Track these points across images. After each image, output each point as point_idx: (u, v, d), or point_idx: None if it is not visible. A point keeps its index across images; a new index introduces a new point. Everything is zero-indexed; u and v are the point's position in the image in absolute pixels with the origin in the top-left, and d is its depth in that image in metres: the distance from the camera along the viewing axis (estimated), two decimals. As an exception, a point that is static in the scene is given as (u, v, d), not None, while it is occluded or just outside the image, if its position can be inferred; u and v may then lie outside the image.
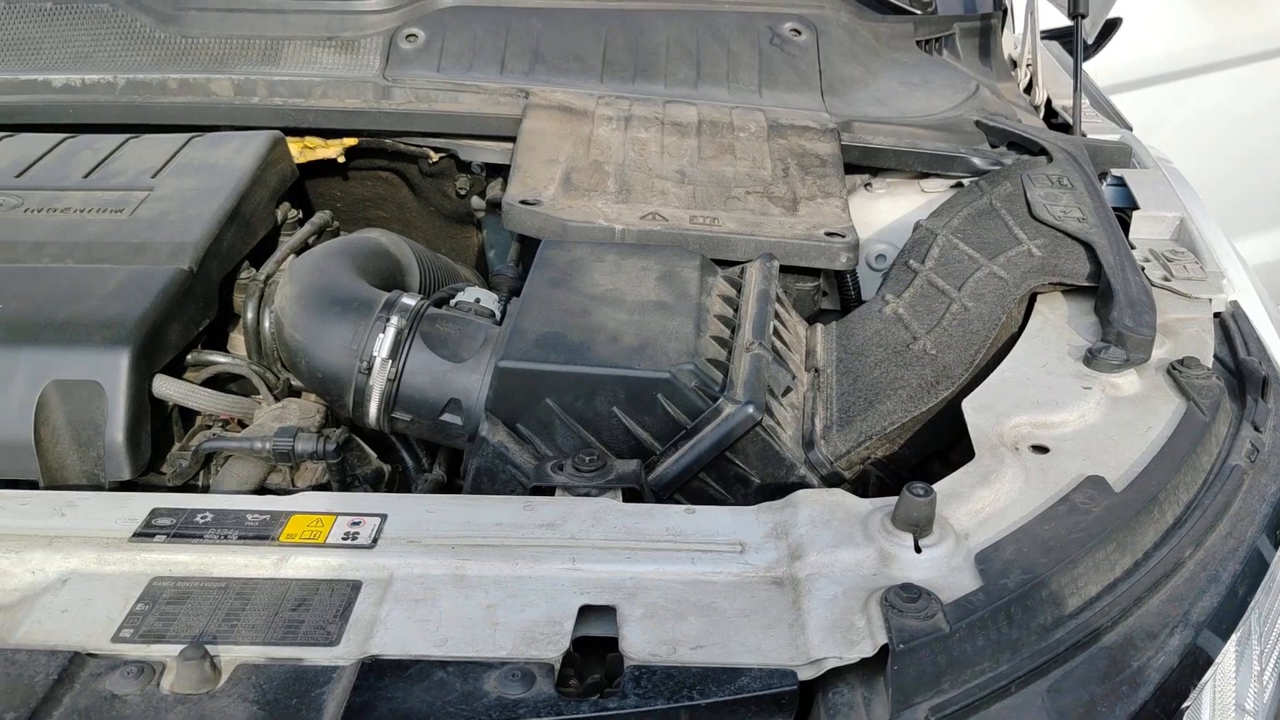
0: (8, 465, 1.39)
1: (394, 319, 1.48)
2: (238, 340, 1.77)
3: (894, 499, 1.19)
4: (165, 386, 1.46)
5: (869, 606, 1.08)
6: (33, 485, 1.40)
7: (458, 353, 1.48)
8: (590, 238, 1.72)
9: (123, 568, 1.17)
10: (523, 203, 1.82)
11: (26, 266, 1.56)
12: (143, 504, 1.25)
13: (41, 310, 1.46)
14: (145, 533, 1.20)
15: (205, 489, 1.47)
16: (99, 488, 1.41)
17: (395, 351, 1.46)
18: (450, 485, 1.59)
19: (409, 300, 1.52)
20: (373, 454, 1.58)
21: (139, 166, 1.85)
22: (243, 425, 1.60)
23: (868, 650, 1.03)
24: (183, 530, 1.21)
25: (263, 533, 1.20)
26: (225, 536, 1.20)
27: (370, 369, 1.46)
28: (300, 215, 2.02)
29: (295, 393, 1.69)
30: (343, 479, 1.47)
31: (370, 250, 1.69)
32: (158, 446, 1.48)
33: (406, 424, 1.50)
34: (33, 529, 1.21)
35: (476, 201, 2.31)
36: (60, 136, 1.96)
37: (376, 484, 1.56)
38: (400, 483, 1.64)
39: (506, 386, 1.40)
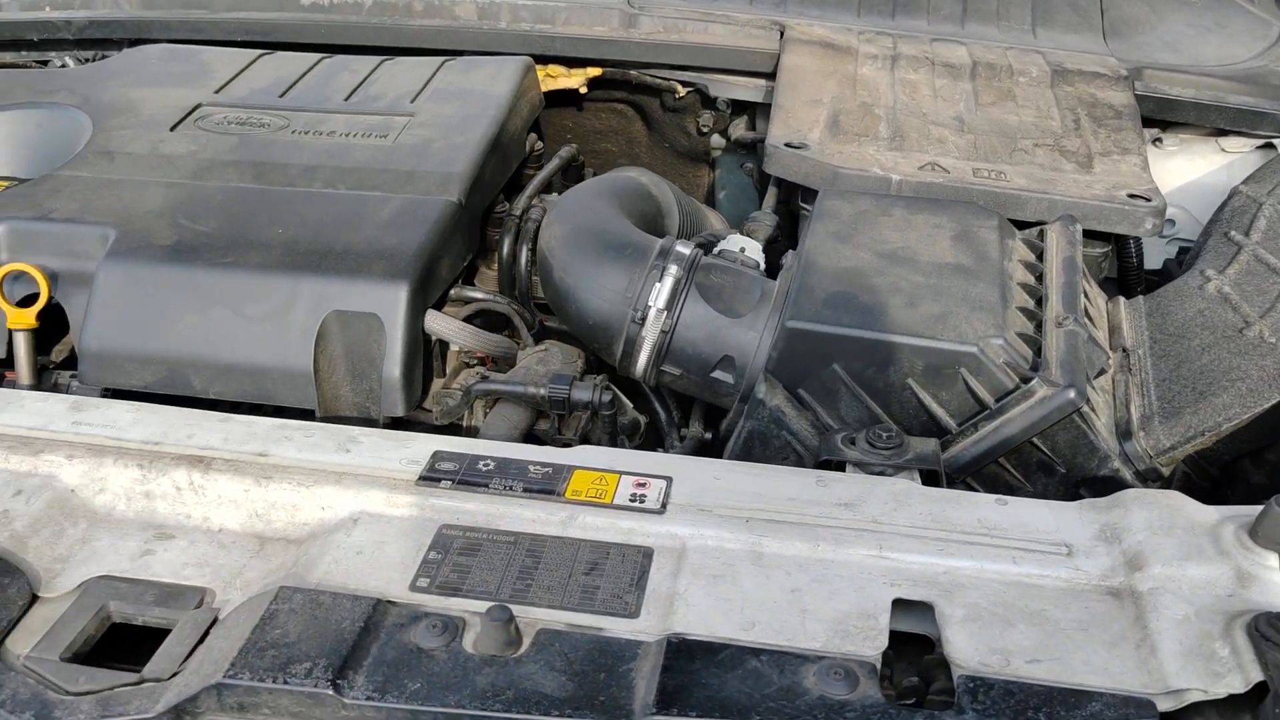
0: (286, 393, 1.39)
1: (671, 267, 1.40)
2: (488, 276, 1.74)
3: (1245, 509, 1.05)
4: (436, 322, 1.43)
5: (1232, 633, 0.96)
6: (308, 415, 1.40)
7: (733, 306, 1.40)
8: (863, 187, 1.60)
9: (412, 511, 1.15)
10: (788, 145, 1.71)
11: (301, 191, 1.55)
12: (423, 446, 1.22)
13: (321, 238, 1.45)
14: (431, 476, 1.18)
15: (470, 430, 1.45)
16: (371, 422, 1.39)
17: (671, 302, 1.39)
18: (712, 445, 1.52)
19: (684, 248, 1.44)
20: (629, 404, 1.53)
21: (397, 90, 1.82)
22: (496, 365, 1.57)
23: (1237, 685, 0.91)
24: (467, 477, 1.17)
25: (547, 486, 1.16)
26: (510, 488, 1.16)
27: (644, 319, 1.39)
28: (543, 147, 1.97)
29: (549, 334, 1.65)
30: (612, 432, 1.42)
31: (634, 191, 1.61)
32: (423, 383, 1.46)
33: (674, 378, 1.44)
34: (319, 463, 1.20)
35: (716, 140, 2.21)
36: (317, 56, 1.95)
37: (632, 435, 1.51)
38: (651, 437, 1.58)
39: (792, 348, 1.31)
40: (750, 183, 2.08)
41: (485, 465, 1.19)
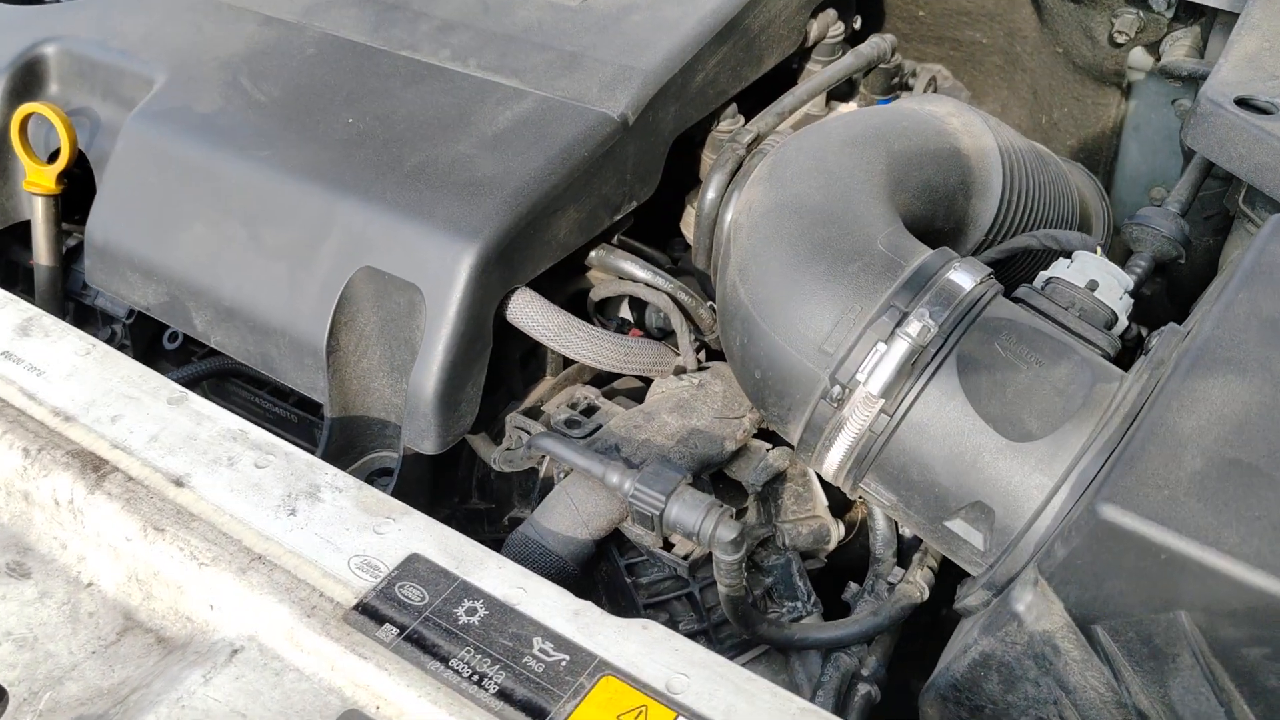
0: (293, 370, 0.92)
1: (921, 311, 0.75)
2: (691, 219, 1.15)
3: None
4: (524, 310, 0.89)
5: None
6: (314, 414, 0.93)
7: (1020, 417, 0.74)
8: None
9: (314, 669, 0.68)
10: (1240, 103, 0.95)
11: (419, 61, 1.03)
12: (405, 535, 0.72)
13: (395, 142, 0.94)
14: (373, 609, 0.68)
15: (546, 483, 0.91)
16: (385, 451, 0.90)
17: (899, 384, 0.75)
18: (929, 613, 0.89)
19: (962, 275, 0.78)
20: (823, 500, 0.92)
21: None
22: (618, 389, 1.01)
23: None
24: (426, 630, 0.67)
25: (541, 697, 0.62)
26: (481, 680, 0.64)
27: (846, 396, 0.76)
28: (848, 33, 1.30)
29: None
30: (737, 581, 0.82)
31: (932, 148, 0.94)
32: (494, 401, 0.93)
33: (881, 503, 0.81)
34: (244, 521, 0.75)
35: (1138, 57, 1.42)
36: None
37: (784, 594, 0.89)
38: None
39: (1104, 553, 0.65)
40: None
41: (470, 610, 0.69)
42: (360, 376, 0.93)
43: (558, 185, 0.89)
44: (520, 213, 0.87)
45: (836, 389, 0.77)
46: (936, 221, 0.93)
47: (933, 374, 0.75)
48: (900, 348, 0.74)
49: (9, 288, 1.01)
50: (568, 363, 0.99)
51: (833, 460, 0.80)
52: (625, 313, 1.07)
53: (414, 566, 0.73)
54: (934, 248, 0.83)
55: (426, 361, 0.85)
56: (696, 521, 0.75)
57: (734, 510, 0.77)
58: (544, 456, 0.89)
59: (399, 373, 0.92)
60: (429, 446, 0.87)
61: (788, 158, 0.90)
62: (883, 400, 0.75)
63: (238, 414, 0.82)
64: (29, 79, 1.13)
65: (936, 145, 0.95)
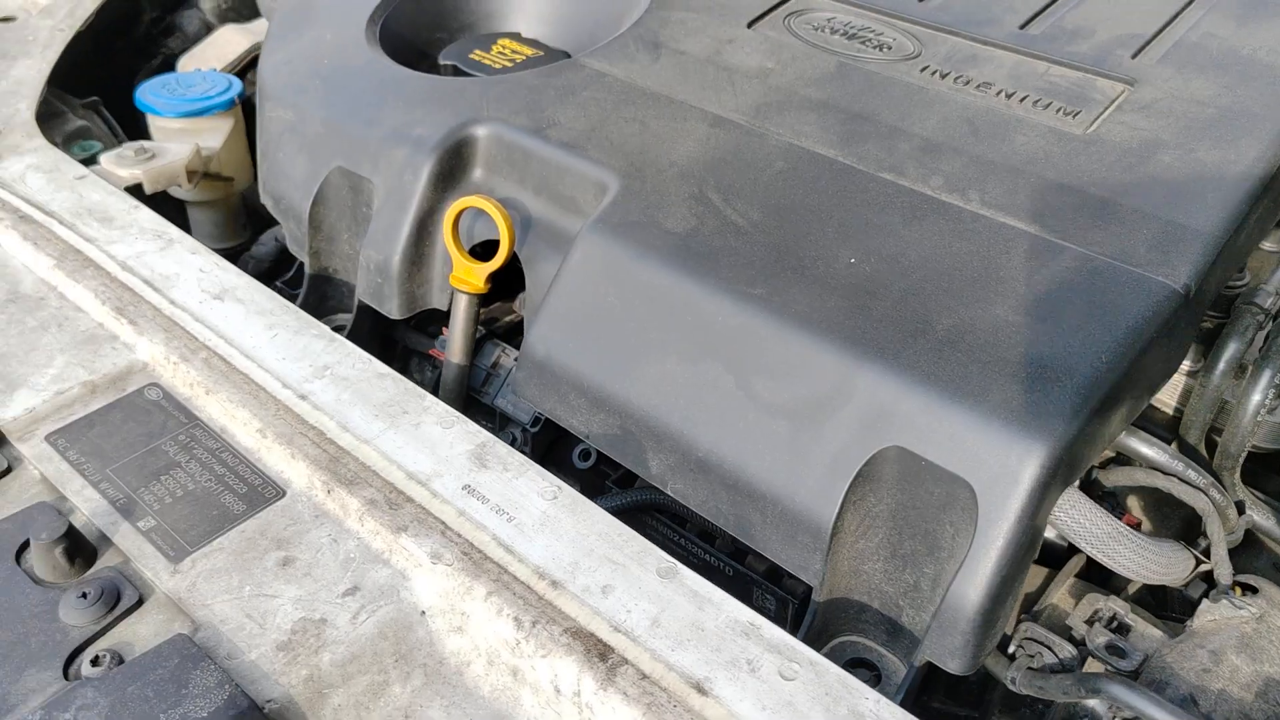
0: (778, 543, 0.82)
1: None
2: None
3: None
4: (1071, 512, 0.77)
5: None
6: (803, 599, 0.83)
7: None
8: None
9: None
10: None
11: (908, 189, 0.92)
12: None
13: (918, 296, 0.82)
14: None
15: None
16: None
17: None
18: None
19: None
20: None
21: (1112, 27, 1.09)
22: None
23: None
24: None
25: None
26: None
27: None
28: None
29: None
30: None
31: None
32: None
33: None
34: None
35: None
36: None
37: None
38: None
39: None
40: None
41: None
42: (854, 558, 0.82)
43: (1126, 373, 0.76)
44: (1093, 407, 0.74)
45: None
46: None
47: None
48: None
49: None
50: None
51: None
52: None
53: None
54: None
55: (974, 572, 0.73)
56: None
57: None
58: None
59: (900, 560, 0.81)
60: (956, 666, 0.75)
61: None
62: None
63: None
64: (455, 162, 1.06)
65: None
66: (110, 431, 0.90)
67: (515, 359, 1.09)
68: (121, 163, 1.23)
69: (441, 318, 1.13)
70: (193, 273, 1.06)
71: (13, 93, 1.33)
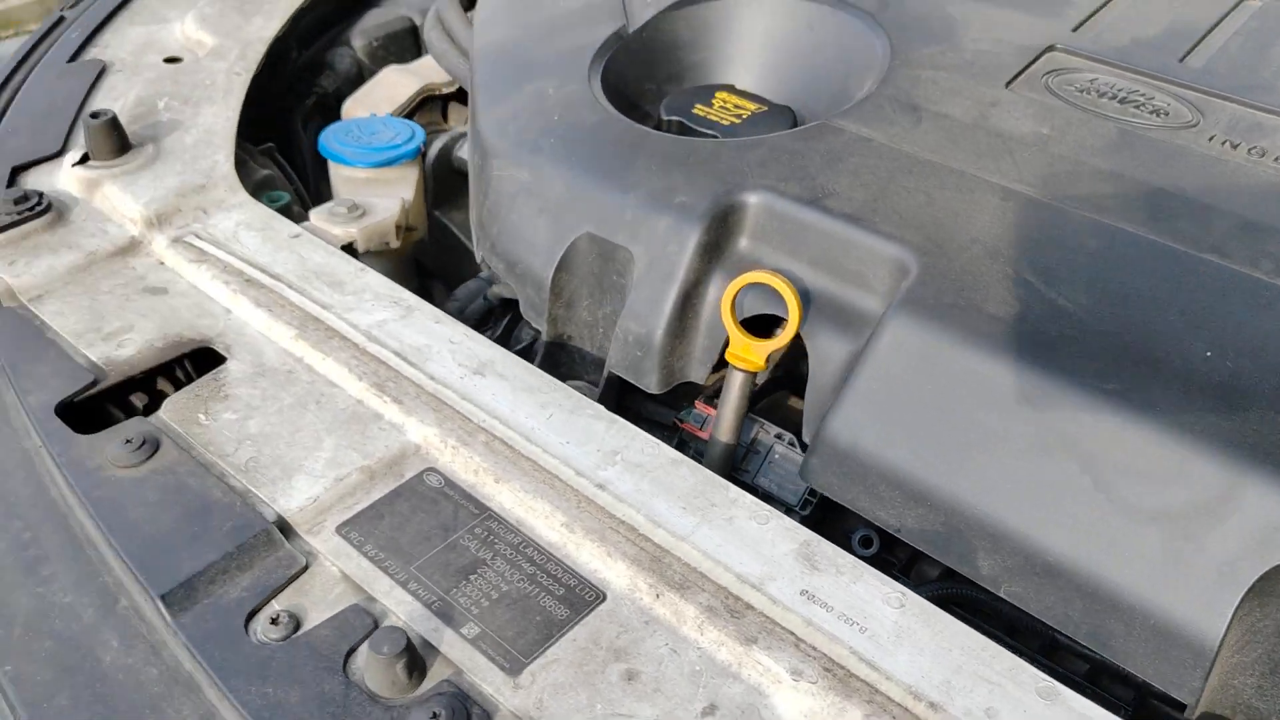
0: (1147, 661, 0.77)
1: None
2: None
3: None
4: None
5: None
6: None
7: None
8: None
9: None
10: None
11: (1235, 271, 0.88)
12: None
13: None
14: None
15: None
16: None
17: None
18: None
19: None
20: None
21: (1392, 94, 1.05)
22: None
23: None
24: None
25: None
26: None
27: None
28: None
29: None
30: None
31: None
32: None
33: None
34: None
35: None
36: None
37: None
38: None
39: None
40: None
41: None
42: (1226, 671, 0.77)
43: None
44: None
45: None
46: None
47: None
48: None
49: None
50: None
51: None
52: None
53: None
54: None
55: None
56: None
57: None
58: None
59: (1278, 677, 0.76)
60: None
61: None
62: None
63: None
64: (721, 232, 1.01)
65: None
66: (401, 523, 0.86)
67: (776, 436, 1.04)
68: (334, 220, 1.18)
69: (688, 390, 1.08)
70: (443, 344, 1.01)
71: (206, 142, 1.28)
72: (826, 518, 1.03)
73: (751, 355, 0.96)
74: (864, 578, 0.80)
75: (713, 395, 1.11)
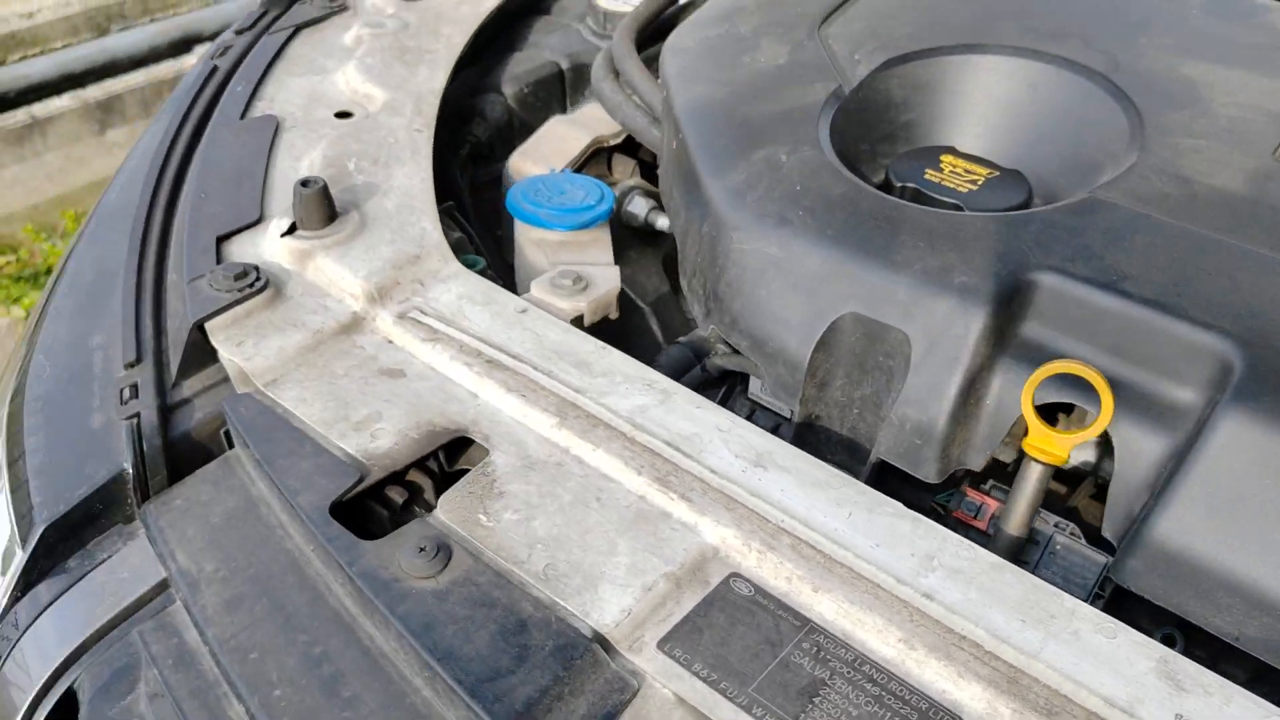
0: None
1: None
2: None
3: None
4: None
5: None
6: None
7: None
8: None
9: None
10: None
11: None
12: None
13: None
14: None
15: None
16: None
17: None
18: None
19: None
20: None
21: None
22: None
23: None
24: None
25: None
26: None
27: None
28: None
29: None
30: None
31: None
32: None
33: None
34: None
35: None
36: None
37: None
38: None
39: None
40: None
41: None
42: None
43: None
44: None
45: None
46: None
47: None
48: None
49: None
50: None
51: None
52: None
53: None
54: None
55: None
56: None
57: None
58: None
59: None
60: None
61: None
62: None
63: None
64: (1006, 315, 0.97)
65: None
66: (722, 638, 0.81)
67: (1055, 525, 1.00)
68: (559, 293, 1.14)
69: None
70: (712, 432, 0.97)
71: (408, 207, 1.23)
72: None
73: (1054, 447, 0.92)
74: (1235, 699, 0.75)
75: (976, 480, 1.07)
